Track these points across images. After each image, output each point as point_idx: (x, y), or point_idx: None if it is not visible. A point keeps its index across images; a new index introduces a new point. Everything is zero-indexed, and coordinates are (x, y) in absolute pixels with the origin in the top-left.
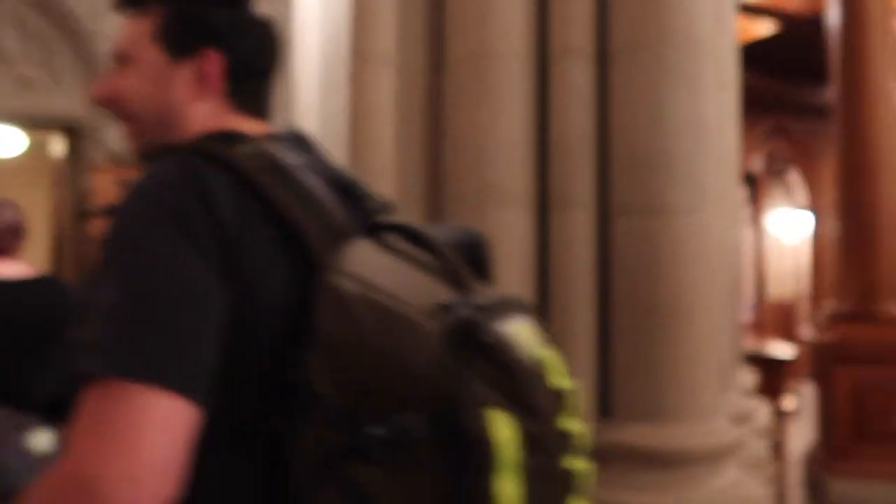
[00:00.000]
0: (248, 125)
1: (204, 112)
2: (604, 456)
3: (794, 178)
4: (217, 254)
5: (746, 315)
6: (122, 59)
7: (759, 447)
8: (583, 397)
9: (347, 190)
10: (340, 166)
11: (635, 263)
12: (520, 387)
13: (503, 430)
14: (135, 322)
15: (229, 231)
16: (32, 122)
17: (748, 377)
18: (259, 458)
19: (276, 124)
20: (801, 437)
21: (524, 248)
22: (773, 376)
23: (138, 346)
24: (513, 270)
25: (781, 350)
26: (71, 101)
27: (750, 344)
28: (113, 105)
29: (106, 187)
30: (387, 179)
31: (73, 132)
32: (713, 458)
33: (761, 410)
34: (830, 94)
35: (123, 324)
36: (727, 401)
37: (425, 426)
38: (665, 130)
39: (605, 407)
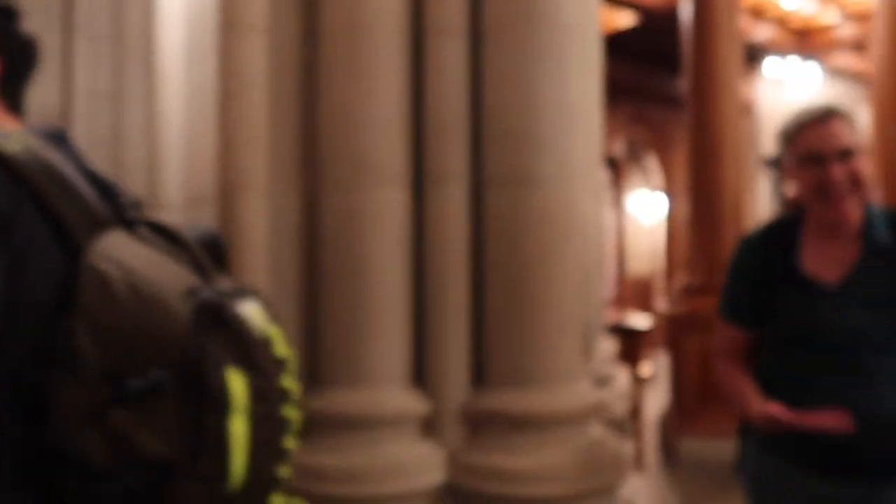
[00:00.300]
0: (12, 124)
1: None
2: (478, 422)
3: (652, 162)
4: (17, 250)
5: (608, 289)
6: None
7: (619, 409)
8: (459, 367)
9: (103, 186)
10: (95, 165)
11: (506, 234)
12: (250, 353)
13: (236, 384)
14: None
15: (4, 213)
16: None
17: (609, 346)
18: (24, 408)
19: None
20: (657, 400)
21: (399, 224)
22: (631, 345)
23: None
24: (387, 248)
25: (639, 321)
26: None
27: (611, 316)
28: None
29: None
30: (257, 152)
31: None
32: (578, 418)
33: (621, 376)
34: (683, 85)
35: None
36: (590, 367)
37: (175, 380)
38: (533, 107)
39: (480, 375)
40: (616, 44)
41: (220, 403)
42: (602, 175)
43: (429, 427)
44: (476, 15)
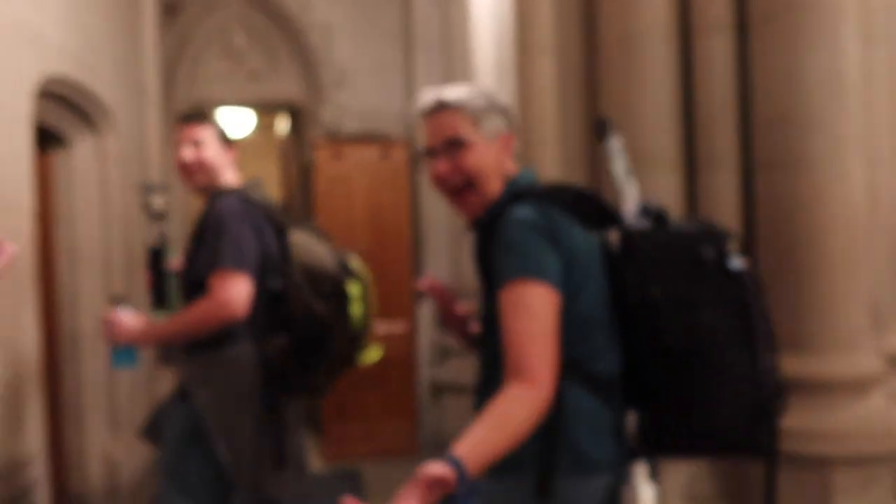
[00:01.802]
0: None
1: None
2: None
3: None
4: (258, 233)
5: None
6: None
7: None
8: None
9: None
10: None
11: (775, 211)
12: (356, 274)
13: (353, 288)
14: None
15: (277, 220)
16: (261, 106)
17: None
18: (268, 297)
19: None
20: None
21: (675, 205)
22: None
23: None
24: None
25: None
26: (290, 86)
27: None
28: None
29: (324, 159)
30: (550, 150)
31: (294, 113)
32: (855, 386)
33: None
34: None
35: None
36: (883, 340)
37: (338, 289)
38: (799, 88)
39: None
40: None
41: (346, 297)
42: None
43: None
44: (741, 9)
